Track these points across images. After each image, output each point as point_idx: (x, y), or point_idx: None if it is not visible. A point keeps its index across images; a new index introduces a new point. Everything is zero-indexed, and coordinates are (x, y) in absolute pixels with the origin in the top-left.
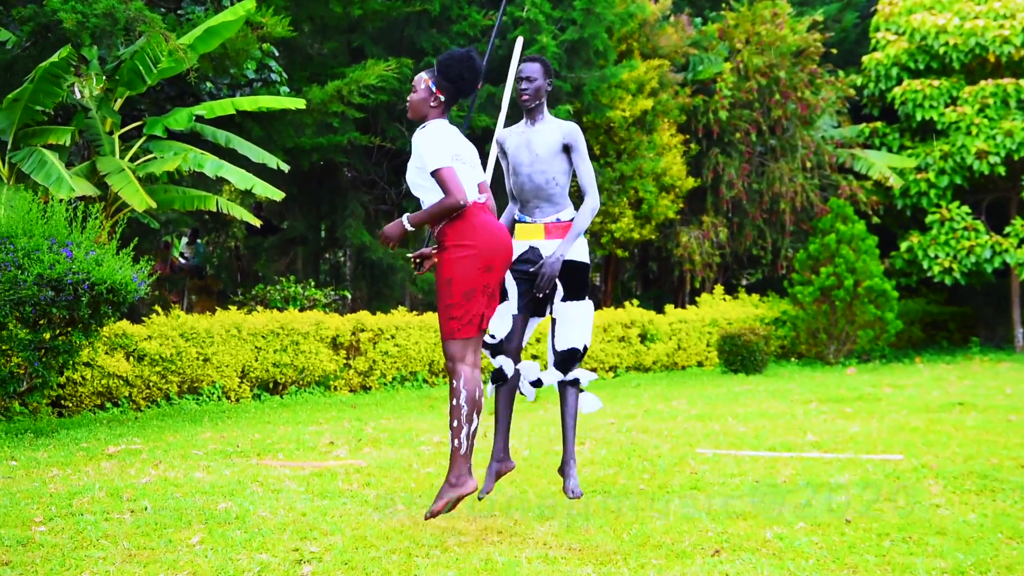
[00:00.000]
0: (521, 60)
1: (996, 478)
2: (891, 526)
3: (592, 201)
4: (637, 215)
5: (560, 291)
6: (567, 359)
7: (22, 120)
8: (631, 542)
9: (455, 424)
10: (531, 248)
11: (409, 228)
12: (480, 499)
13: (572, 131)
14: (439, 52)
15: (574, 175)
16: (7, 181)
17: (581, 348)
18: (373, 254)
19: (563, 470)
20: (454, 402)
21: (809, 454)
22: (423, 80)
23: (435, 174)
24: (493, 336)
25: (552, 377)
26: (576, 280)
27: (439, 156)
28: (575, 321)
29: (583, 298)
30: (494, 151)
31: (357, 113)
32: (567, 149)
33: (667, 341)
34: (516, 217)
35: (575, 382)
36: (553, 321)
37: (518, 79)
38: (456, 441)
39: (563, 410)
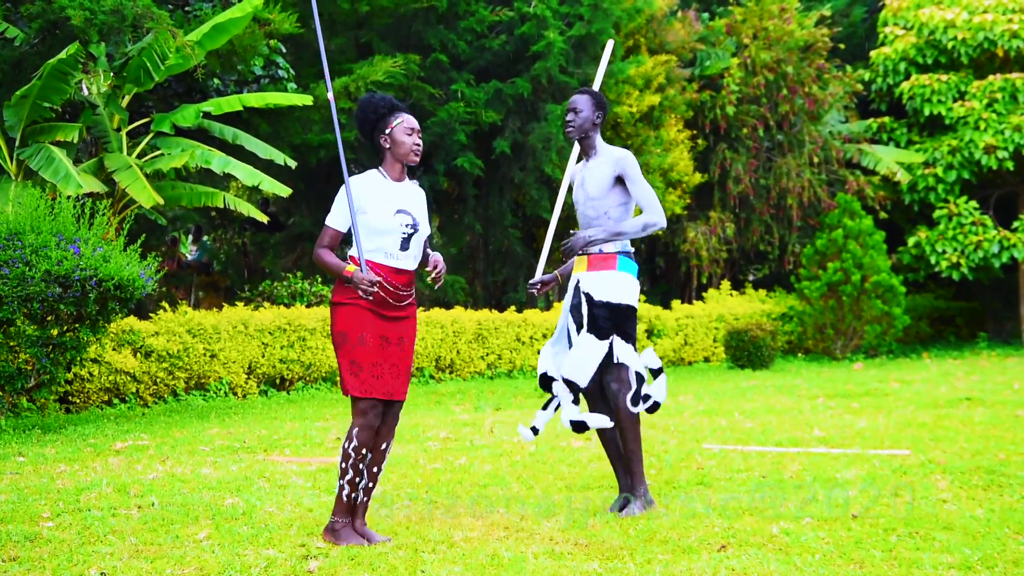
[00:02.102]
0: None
1: (1003, 473)
2: (898, 521)
3: (649, 216)
4: None
5: (585, 319)
6: (570, 387)
7: (30, 117)
8: (637, 537)
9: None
10: (576, 284)
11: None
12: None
13: (622, 160)
14: (447, 48)
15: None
16: (15, 178)
17: (581, 383)
18: None
19: (624, 498)
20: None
21: (816, 449)
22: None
23: None
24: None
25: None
26: (599, 315)
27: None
28: (579, 350)
29: (603, 338)
30: (563, 189)
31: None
32: (621, 180)
33: (674, 336)
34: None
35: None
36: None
37: (567, 109)
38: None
39: (620, 435)
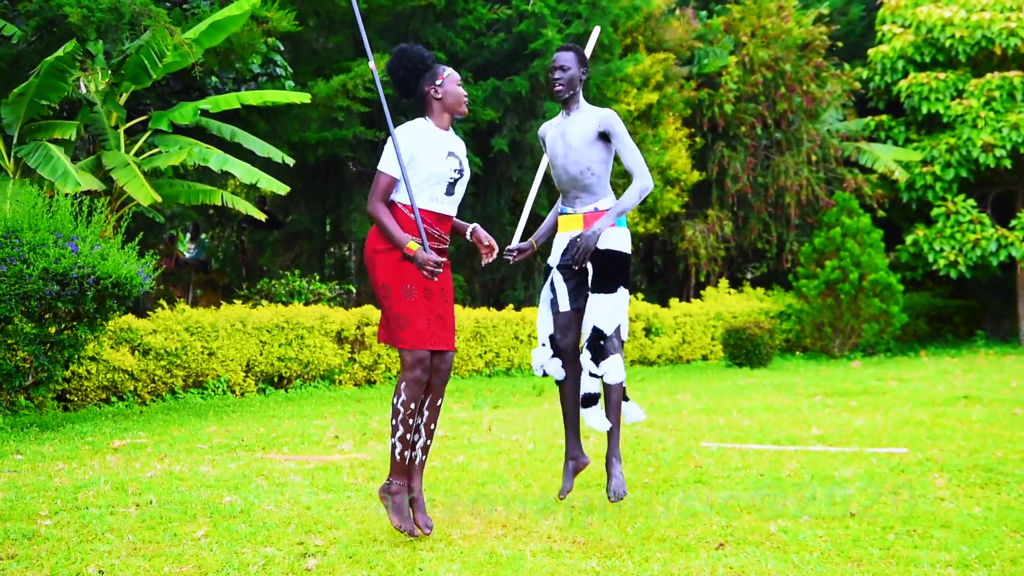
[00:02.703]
0: (555, 50)
1: (1001, 471)
2: (895, 519)
3: (640, 182)
4: (642, 209)
5: (590, 278)
6: (594, 343)
7: (28, 115)
8: (635, 535)
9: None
10: (571, 240)
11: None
12: (561, 499)
13: (608, 117)
14: (445, 46)
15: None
16: (13, 175)
17: (609, 332)
18: None
19: (607, 467)
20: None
21: (814, 448)
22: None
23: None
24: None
25: (587, 368)
26: (609, 270)
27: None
28: (603, 306)
29: (614, 291)
30: (538, 179)
31: (362, 107)
32: (604, 136)
33: (672, 335)
34: (559, 209)
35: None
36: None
37: (552, 68)
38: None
39: (607, 407)
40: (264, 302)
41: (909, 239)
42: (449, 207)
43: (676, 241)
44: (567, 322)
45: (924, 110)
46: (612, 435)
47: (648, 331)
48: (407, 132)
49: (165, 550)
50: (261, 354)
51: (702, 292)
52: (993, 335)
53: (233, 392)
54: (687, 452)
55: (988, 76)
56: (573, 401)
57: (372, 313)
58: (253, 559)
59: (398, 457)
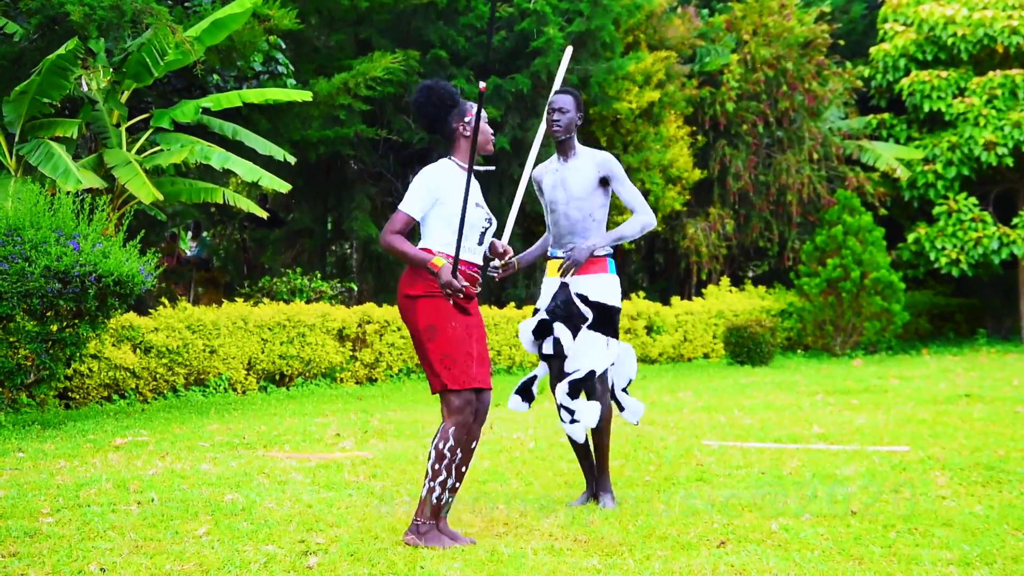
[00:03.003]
0: (553, 92)
1: (1002, 470)
2: (897, 518)
3: (643, 218)
4: None
5: (589, 321)
6: (586, 383)
7: (29, 112)
8: (637, 533)
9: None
10: (562, 285)
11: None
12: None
13: (606, 162)
14: (446, 44)
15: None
16: (14, 173)
17: (600, 371)
18: (379, 246)
19: (598, 495)
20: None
21: (815, 446)
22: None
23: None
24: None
25: (560, 399)
26: (601, 320)
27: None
28: (596, 347)
29: (603, 334)
30: (523, 185)
31: (363, 105)
32: (604, 181)
33: (673, 333)
34: (549, 253)
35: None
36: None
37: (550, 110)
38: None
39: (595, 447)
40: (265, 300)
41: (911, 237)
42: (478, 256)
43: (678, 239)
44: (549, 366)
45: (926, 108)
46: (602, 472)
47: (649, 329)
48: (435, 175)
49: (167, 548)
50: (263, 352)
51: (704, 290)
52: (995, 333)
53: (235, 390)
54: (688, 450)
55: (990, 74)
56: (582, 443)
57: (373, 311)
58: (255, 557)
59: (435, 500)
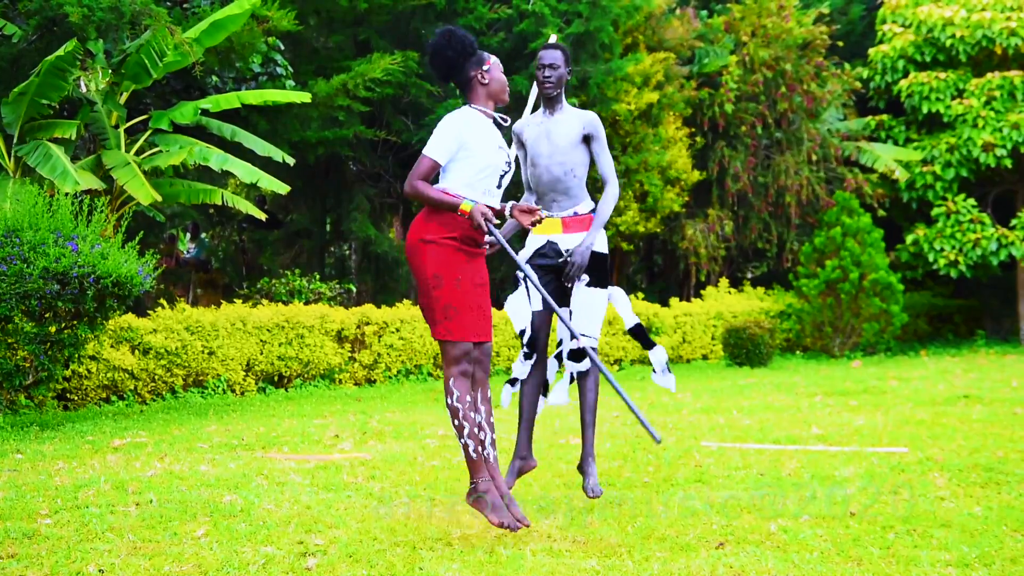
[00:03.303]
0: (541, 48)
1: (1001, 471)
2: (896, 519)
3: (613, 189)
4: (642, 208)
5: (583, 279)
6: (579, 352)
7: (28, 114)
8: (635, 535)
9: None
10: (548, 242)
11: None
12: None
13: (592, 120)
14: None
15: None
16: (13, 175)
17: (596, 335)
18: (378, 247)
19: (582, 467)
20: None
21: (814, 447)
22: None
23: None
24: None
25: (572, 368)
26: (596, 270)
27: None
28: (592, 305)
29: (604, 287)
30: (513, 144)
31: (362, 107)
32: (587, 139)
33: (672, 334)
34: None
35: (586, 374)
36: (569, 311)
37: (540, 66)
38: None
39: (581, 404)
40: (264, 301)
41: (909, 239)
42: (496, 200)
43: (676, 240)
44: (540, 322)
45: (924, 110)
46: (587, 434)
47: (648, 330)
48: (459, 120)
49: (165, 549)
50: (261, 353)
51: (702, 291)
52: (993, 335)
53: (233, 391)
54: (687, 451)
55: (988, 76)
56: (532, 400)
57: (372, 313)
58: (253, 558)
59: (473, 455)
